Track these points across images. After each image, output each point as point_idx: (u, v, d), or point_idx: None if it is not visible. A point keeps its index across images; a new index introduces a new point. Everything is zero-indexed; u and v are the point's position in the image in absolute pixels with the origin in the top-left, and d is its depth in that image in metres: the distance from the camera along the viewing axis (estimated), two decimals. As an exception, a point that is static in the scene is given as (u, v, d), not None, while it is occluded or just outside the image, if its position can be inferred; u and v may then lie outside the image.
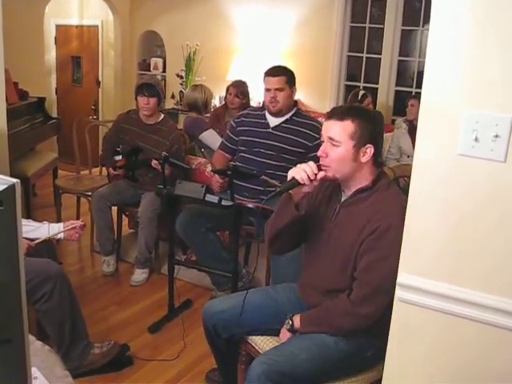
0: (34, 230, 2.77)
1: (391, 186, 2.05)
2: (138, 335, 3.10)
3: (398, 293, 1.57)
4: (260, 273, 3.57)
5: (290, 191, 1.99)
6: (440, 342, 1.54)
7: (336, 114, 2.01)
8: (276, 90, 3.29)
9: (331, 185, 2.13)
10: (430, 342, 1.55)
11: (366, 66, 5.90)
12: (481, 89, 1.36)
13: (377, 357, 1.98)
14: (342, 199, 2.07)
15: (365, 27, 5.77)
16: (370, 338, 1.98)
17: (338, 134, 1.95)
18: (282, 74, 3.32)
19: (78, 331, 2.62)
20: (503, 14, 1.29)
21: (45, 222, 2.84)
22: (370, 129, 1.99)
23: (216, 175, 3.32)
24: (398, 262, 1.78)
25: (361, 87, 5.74)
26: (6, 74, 4.54)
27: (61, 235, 2.80)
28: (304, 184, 1.94)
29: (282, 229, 2.07)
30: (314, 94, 5.96)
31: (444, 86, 1.41)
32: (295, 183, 1.95)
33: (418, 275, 1.52)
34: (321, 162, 2.00)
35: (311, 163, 1.96)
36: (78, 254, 4.31)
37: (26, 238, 2.72)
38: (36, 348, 1.52)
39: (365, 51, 5.84)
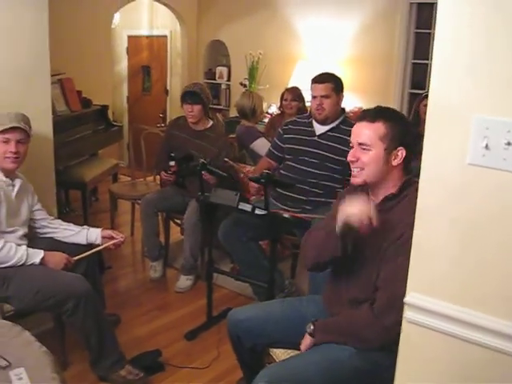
0: (73, 234, 2.84)
1: None
2: (175, 341, 3.10)
3: (406, 313, 1.47)
4: (305, 284, 3.47)
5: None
6: (448, 366, 1.42)
7: (367, 115, 1.97)
8: (322, 96, 3.22)
9: (358, 192, 2.04)
10: (438, 365, 1.44)
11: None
12: (491, 91, 1.24)
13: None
14: None
15: (430, 33, 5.55)
16: (390, 356, 1.84)
17: (368, 139, 1.92)
18: (328, 81, 3.24)
19: (105, 347, 2.59)
20: None
21: (85, 227, 2.89)
22: (402, 131, 1.95)
23: None
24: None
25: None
26: (69, 82, 4.76)
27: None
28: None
29: (325, 262, 2.04)
30: (377, 102, 5.70)
31: (452, 87, 1.30)
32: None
33: (426, 294, 1.42)
34: (351, 166, 1.97)
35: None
36: (130, 258, 4.40)
37: (66, 243, 2.79)
38: (33, 349, 1.53)
39: (430, 58, 5.62)
